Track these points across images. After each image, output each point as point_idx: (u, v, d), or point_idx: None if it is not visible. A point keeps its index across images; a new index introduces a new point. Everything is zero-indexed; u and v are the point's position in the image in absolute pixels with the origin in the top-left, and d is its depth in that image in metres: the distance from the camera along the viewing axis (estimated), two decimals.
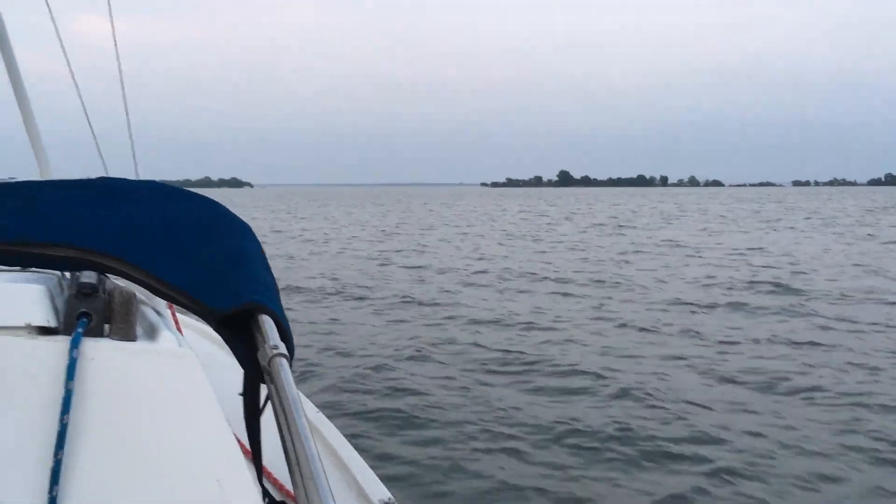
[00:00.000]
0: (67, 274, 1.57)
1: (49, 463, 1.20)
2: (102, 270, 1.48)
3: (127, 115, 4.07)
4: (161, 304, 1.87)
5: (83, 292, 1.35)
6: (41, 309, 1.33)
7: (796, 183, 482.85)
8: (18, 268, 1.59)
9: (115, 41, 4.05)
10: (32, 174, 4.02)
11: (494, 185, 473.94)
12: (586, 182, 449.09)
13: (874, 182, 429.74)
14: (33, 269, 1.59)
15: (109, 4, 4.05)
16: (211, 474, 1.28)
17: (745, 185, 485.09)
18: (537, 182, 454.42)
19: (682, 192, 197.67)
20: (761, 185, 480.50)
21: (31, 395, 1.24)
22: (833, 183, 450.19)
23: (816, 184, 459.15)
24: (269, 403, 1.33)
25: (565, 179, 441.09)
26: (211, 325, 1.51)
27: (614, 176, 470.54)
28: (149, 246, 1.50)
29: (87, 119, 4.10)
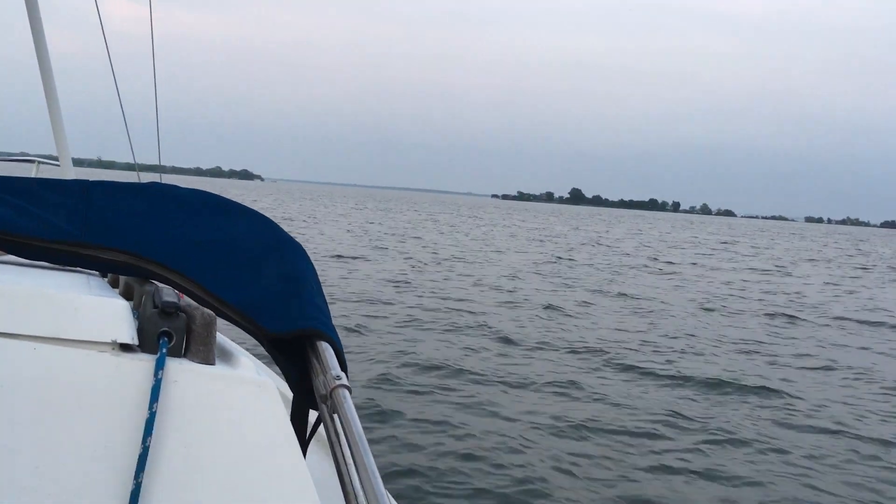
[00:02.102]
0: (114, 278, 1.70)
1: (129, 486, 1.20)
2: (153, 278, 1.49)
3: (156, 106, 4.19)
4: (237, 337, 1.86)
5: (166, 311, 1.35)
6: (126, 326, 1.33)
7: (809, 219, 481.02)
8: (64, 266, 1.65)
9: (151, 33, 4.11)
10: (51, 151, 4.12)
11: (505, 197, 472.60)
12: (598, 202, 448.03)
13: (887, 224, 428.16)
14: (80, 269, 1.65)
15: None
16: None
17: (756, 216, 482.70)
18: (549, 198, 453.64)
19: (713, 221, 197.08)
20: (773, 218, 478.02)
21: (115, 414, 1.23)
22: (846, 222, 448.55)
23: (829, 221, 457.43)
24: (321, 430, 1.38)
25: (577, 197, 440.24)
26: (264, 347, 1.50)
27: (626, 198, 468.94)
28: (203, 259, 1.50)
29: (121, 106, 4.13)
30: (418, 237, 35.84)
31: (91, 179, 1.61)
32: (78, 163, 4.71)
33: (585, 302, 16.55)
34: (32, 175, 4.93)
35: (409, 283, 17.65)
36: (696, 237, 63.64)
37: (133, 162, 4.51)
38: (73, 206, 1.50)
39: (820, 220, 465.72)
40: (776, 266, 33.53)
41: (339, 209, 64.72)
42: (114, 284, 1.86)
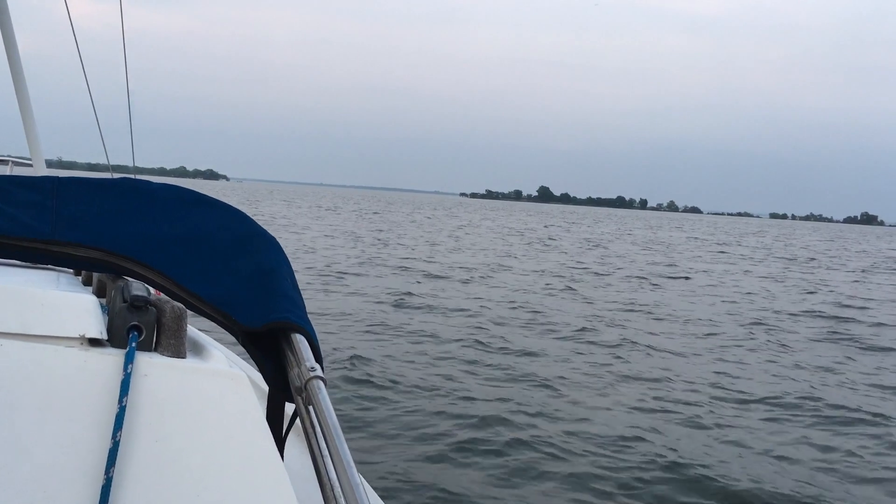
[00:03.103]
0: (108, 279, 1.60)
1: (100, 480, 1.18)
2: (125, 274, 1.50)
3: (129, 105, 4.54)
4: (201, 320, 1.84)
5: (135, 305, 1.33)
6: (94, 320, 1.32)
7: (773, 215, 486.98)
8: (35, 264, 1.63)
9: (123, 34, 4.41)
10: (23, 152, 4.31)
11: (474, 195, 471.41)
12: (566, 200, 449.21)
13: (850, 220, 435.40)
14: (51, 266, 1.69)
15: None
16: (260, 499, 1.26)
17: (723, 213, 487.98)
18: (517, 196, 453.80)
19: (686, 218, 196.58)
20: (739, 214, 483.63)
21: (84, 409, 1.22)
22: (810, 218, 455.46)
23: (793, 217, 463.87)
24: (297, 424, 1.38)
25: (545, 196, 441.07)
26: (238, 341, 1.50)
27: (594, 195, 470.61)
28: (176, 254, 1.49)
29: (94, 107, 4.38)
30: (414, 243, 31.77)
31: (62, 176, 1.59)
32: (50, 164, 4.58)
33: (657, 332, 13.29)
34: (8, 172, 4.88)
35: (428, 303, 14.70)
36: (693, 237, 61.32)
37: (107, 163, 4.64)
38: (42, 202, 1.49)
39: (784, 217, 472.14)
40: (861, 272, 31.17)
41: (313, 211, 61.31)
42: (87, 282, 1.86)
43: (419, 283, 18.03)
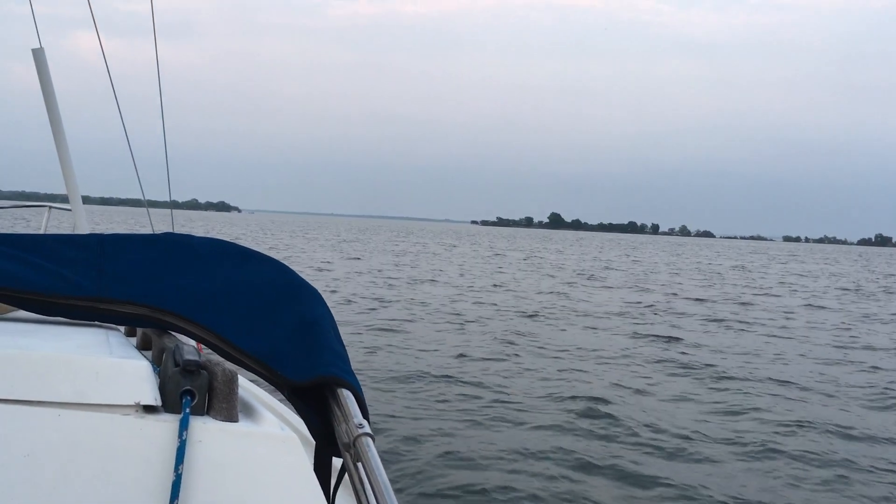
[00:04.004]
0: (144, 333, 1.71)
1: None
2: (171, 329, 1.52)
3: (165, 141, 4.65)
4: (256, 386, 1.91)
5: (187, 369, 1.33)
6: (149, 387, 1.32)
7: (787, 238, 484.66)
8: (84, 321, 1.63)
9: (158, 71, 4.48)
10: (60, 189, 4.33)
11: (485, 223, 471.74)
12: (577, 226, 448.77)
13: (864, 241, 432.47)
14: (98, 323, 1.68)
15: (155, 34, 4.42)
16: None
17: (735, 237, 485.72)
18: (528, 223, 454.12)
19: (693, 243, 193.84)
20: (752, 238, 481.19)
21: (141, 477, 1.23)
22: (823, 240, 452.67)
23: (807, 240, 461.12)
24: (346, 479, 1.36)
25: (556, 222, 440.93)
26: (284, 395, 1.49)
27: (605, 221, 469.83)
28: (220, 308, 1.50)
29: (129, 143, 4.46)
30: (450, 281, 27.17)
31: (105, 232, 1.63)
32: (86, 200, 4.69)
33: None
34: (45, 219, 5.24)
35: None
36: (746, 263, 58.26)
37: (143, 198, 4.75)
38: (88, 260, 1.52)
39: (798, 240, 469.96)
40: None
41: (333, 246, 57.11)
42: (131, 334, 1.89)
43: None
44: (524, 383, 10.09)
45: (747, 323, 18.67)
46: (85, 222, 4.36)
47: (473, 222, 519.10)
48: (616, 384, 10.37)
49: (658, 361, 12.43)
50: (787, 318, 20.41)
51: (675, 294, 26.43)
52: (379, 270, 30.78)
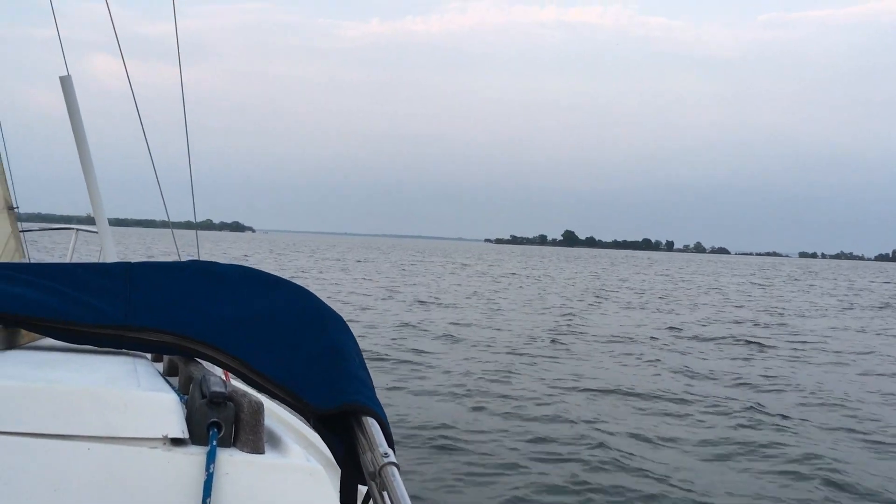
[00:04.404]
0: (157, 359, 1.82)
1: None
2: (197, 356, 1.54)
3: (190, 164, 4.73)
4: (282, 412, 1.84)
5: (214, 401, 1.32)
6: (176, 420, 1.32)
7: (803, 254, 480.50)
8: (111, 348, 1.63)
9: (182, 92, 4.58)
10: (78, 210, 4.25)
11: (499, 241, 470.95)
12: (591, 243, 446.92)
13: (882, 257, 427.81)
14: (125, 351, 1.67)
15: (179, 59, 4.65)
16: None
17: (751, 253, 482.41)
18: (542, 240, 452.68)
19: (708, 260, 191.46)
20: (767, 254, 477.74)
21: None
22: (840, 256, 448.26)
23: (823, 256, 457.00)
24: None
25: (570, 239, 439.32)
26: (309, 422, 1.50)
27: (619, 238, 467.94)
28: (245, 335, 1.51)
29: (154, 166, 4.56)
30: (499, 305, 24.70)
31: (133, 260, 1.66)
32: (112, 222, 4.63)
33: None
34: (72, 241, 5.34)
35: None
36: (755, 283, 57.24)
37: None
38: (115, 289, 1.54)
39: (814, 256, 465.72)
40: None
41: (363, 266, 53.68)
42: (158, 360, 1.92)
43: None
44: (566, 427, 9.10)
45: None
46: (112, 245, 4.38)
47: (487, 240, 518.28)
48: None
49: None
50: None
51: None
52: (393, 290, 30.18)
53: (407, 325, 18.25)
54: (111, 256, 4.26)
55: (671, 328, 20.47)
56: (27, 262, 4.06)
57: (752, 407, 10.22)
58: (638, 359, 14.69)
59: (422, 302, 25.32)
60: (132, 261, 1.66)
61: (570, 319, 21.51)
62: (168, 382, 1.58)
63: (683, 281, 51.61)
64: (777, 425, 9.31)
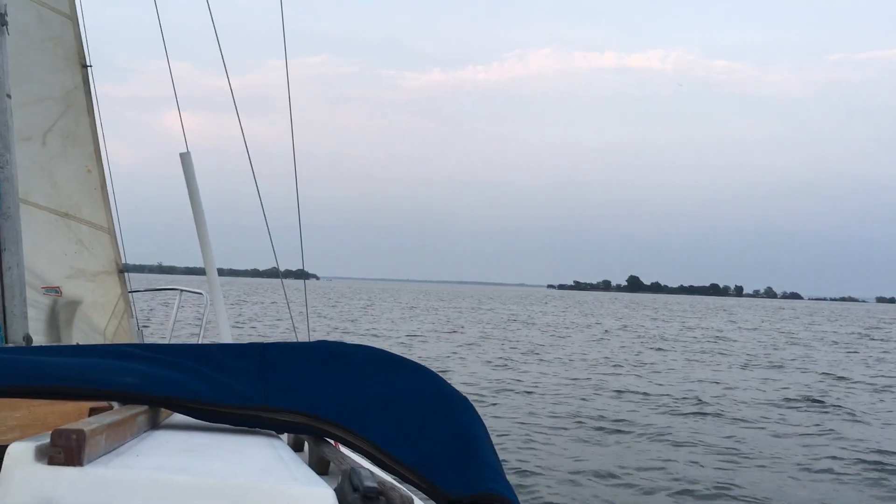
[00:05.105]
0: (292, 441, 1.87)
1: None
2: (329, 437, 1.60)
3: (299, 215, 4.92)
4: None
5: (367, 496, 1.35)
6: None
7: (880, 299, 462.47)
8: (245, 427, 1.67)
9: (293, 146, 4.99)
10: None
11: (562, 287, 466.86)
12: (657, 289, 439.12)
13: None
14: (259, 430, 1.70)
15: (290, 114, 4.93)
16: None
17: (825, 298, 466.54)
18: (606, 286, 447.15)
19: (775, 305, 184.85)
20: (842, 299, 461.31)
21: None
22: None
23: None
24: None
25: (635, 285, 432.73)
26: None
27: (686, 283, 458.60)
28: (376, 418, 1.54)
29: (265, 218, 4.87)
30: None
31: (265, 342, 1.75)
32: (221, 272, 4.79)
33: None
34: (177, 302, 5.59)
35: None
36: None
37: (277, 268, 5.19)
38: (251, 370, 1.60)
39: (893, 301, 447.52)
40: None
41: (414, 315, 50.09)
42: (290, 438, 1.99)
43: None
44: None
45: None
46: (224, 310, 4.50)
47: (550, 286, 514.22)
48: None
49: None
50: None
51: None
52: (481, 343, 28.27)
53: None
54: (224, 321, 4.45)
55: None
56: (136, 321, 4.68)
57: None
58: None
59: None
60: (265, 342, 1.77)
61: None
62: (320, 478, 1.53)
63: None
64: None
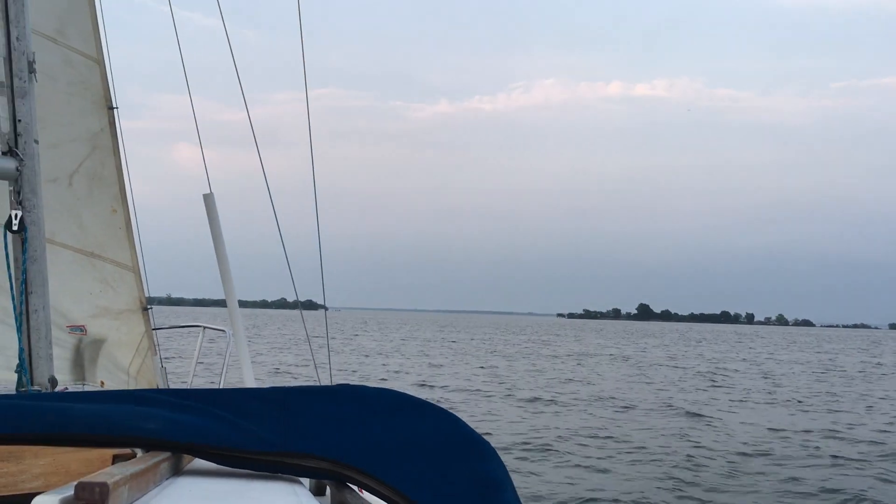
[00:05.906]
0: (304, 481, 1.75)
1: None
2: (351, 482, 1.61)
3: (320, 248, 5.26)
4: None
5: None
6: None
7: (893, 326, 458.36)
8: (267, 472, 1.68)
9: (314, 177, 5.32)
10: (219, 293, 4.61)
11: (571, 315, 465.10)
12: (667, 317, 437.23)
13: None
14: (280, 475, 1.68)
15: (312, 153, 5.22)
16: None
17: (837, 325, 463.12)
18: (616, 314, 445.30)
19: (788, 332, 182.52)
20: (855, 326, 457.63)
21: None
22: None
23: None
24: None
25: (645, 313, 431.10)
26: None
27: (696, 311, 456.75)
28: (399, 464, 1.54)
29: (284, 249, 5.09)
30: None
31: (287, 386, 1.76)
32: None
33: None
34: (199, 339, 5.76)
35: None
36: None
37: (297, 299, 5.47)
38: (273, 415, 1.61)
39: None
40: None
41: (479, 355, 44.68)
42: (312, 484, 1.97)
43: None
44: None
45: None
46: (246, 348, 4.56)
47: (559, 315, 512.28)
48: None
49: None
50: None
51: None
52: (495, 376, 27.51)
53: None
54: (246, 359, 4.53)
55: None
56: (160, 359, 4.73)
57: None
58: None
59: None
60: (287, 386, 1.75)
61: None
62: None
63: None
64: None
